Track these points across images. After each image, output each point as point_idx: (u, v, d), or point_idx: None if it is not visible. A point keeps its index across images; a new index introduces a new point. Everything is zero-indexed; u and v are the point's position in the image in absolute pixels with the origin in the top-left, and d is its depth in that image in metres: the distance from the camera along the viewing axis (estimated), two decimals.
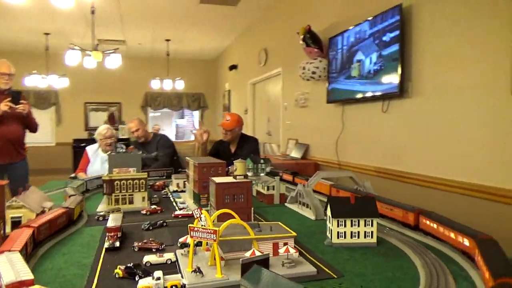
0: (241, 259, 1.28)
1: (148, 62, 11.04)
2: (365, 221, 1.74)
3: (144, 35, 8.98)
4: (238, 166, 2.02)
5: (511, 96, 2.56)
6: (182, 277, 1.38)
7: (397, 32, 3.61)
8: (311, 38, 5.02)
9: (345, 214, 1.74)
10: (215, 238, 1.37)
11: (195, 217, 1.48)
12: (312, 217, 2.21)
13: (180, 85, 9.72)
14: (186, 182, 3.08)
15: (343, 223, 1.74)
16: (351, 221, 1.74)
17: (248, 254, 1.42)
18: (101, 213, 2.30)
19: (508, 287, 1.01)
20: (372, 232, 1.74)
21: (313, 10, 5.46)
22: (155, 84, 9.67)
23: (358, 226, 1.74)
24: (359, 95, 4.22)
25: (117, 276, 1.42)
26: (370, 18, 4.02)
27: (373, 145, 4.11)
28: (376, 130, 4.07)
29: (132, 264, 1.45)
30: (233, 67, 9.14)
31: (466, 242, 1.51)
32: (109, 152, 4.51)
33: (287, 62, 6.32)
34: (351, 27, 4.37)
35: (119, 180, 2.51)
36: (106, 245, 1.73)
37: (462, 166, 2.97)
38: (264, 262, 1.30)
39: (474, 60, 2.85)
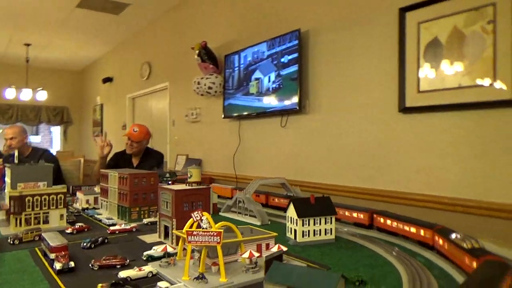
0: (265, 256, 1.25)
1: None
2: (325, 219, 1.87)
3: None
4: (194, 172, 1.93)
5: (398, 114, 3.08)
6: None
7: (296, 55, 3.97)
8: (206, 54, 5.09)
9: (308, 213, 1.84)
10: (219, 241, 1.30)
11: (195, 220, 1.37)
12: (258, 223, 2.25)
13: (42, 96, 8.53)
14: (100, 198, 2.74)
15: (307, 222, 1.84)
16: (314, 220, 1.85)
17: (245, 255, 1.39)
18: (16, 235, 1.88)
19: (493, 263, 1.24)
20: (331, 229, 1.88)
21: (206, 27, 5.55)
22: (10, 94, 8.25)
23: (320, 224, 1.86)
24: (258, 111, 4.45)
25: None
26: (268, 40, 4.32)
27: (272, 158, 4.36)
28: (275, 143, 4.34)
29: (116, 280, 1.26)
30: (107, 79, 8.49)
31: (424, 233, 1.78)
32: None
33: (175, 77, 6.23)
34: (248, 47, 4.60)
35: (32, 195, 2.10)
36: (58, 266, 1.44)
37: (354, 172, 3.40)
38: (279, 258, 1.29)
39: (366, 81, 3.35)
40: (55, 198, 2.16)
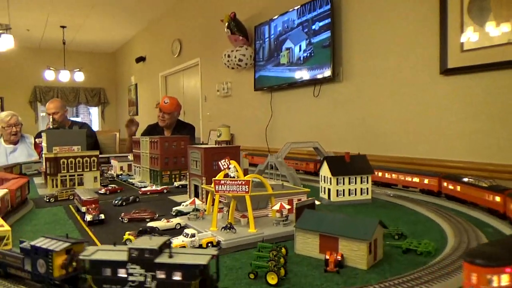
0: (295, 203, 1.18)
1: (37, 52, 9.72)
2: (361, 178, 1.77)
3: (35, 20, 7.87)
4: (223, 131, 1.88)
5: (440, 76, 2.88)
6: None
7: (328, 20, 3.79)
8: (236, 26, 4.98)
9: (343, 172, 1.74)
10: (247, 190, 1.24)
11: (222, 168, 1.31)
12: None
13: (79, 77, 8.77)
14: (133, 164, 2.76)
15: (342, 181, 1.74)
16: (349, 178, 1.75)
17: (276, 207, 1.32)
18: (52, 194, 1.92)
19: None
20: (367, 188, 1.78)
21: None
22: (49, 75, 8.54)
23: (355, 183, 1.76)
24: (290, 82, 4.32)
25: (128, 243, 1.19)
26: (298, 7, 4.14)
27: (305, 129, 4.25)
28: (307, 114, 4.22)
29: (143, 228, 1.23)
30: (140, 59, 8.59)
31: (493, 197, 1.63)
32: (16, 142, 3.84)
33: (206, 53, 6.18)
34: (277, 16, 4.45)
35: (66, 158, 2.13)
36: (88, 218, 1.44)
37: (391, 141, 3.24)
38: (312, 207, 1.22)
39: (403, 44, 3.14)
40: (88, 161, 2.19)
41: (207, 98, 6.29)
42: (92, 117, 11.52)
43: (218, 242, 1.17)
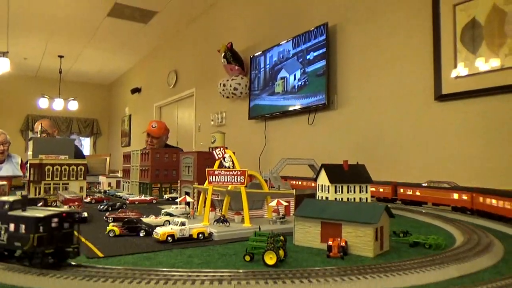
0: (295, 190, 1.10)
1: (33, 80, 9.75)
2: (360, 187, 1.69)
3: (33, 48, 7.96)
4: (217, 137, 1.82)
5: (434, 102, 2.89)
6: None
7: (322, 50, 3.87)
8: (232, 56, 5.07)
9: (342, 180, 1.67)
10: (243, 181, 1.16)
11: (217, 157, 1.24)
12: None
13: (73, 106, 8.74)
14: (122, 180, 2.66)
15: (340, 190, 1.66)
16: (347, 187, 1.68)
17: (273, 203, 1.24)
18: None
19: None
20: (366, 198, 1.70)
21: (232, 31, 5.56)
22: (43, 103, 8.51)
23: (354, 192, 1.68)
24: (284, 110, 4.33)
25: (111, 234, 1.09)
26: (294, 37, 4.23)
27: (300, 156, 4.19)
28: (302, 142, 4.19)
29: (130, 219, 1.13)
30: (136, 90, 8.65)
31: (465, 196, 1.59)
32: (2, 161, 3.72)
33: (201, 82, 6.24)
34: (273, 46, 4.54)
35: (52, 165, 2.04)
36: None
37: (389, 167, 3.19)
38: (311, 197, 1.14)
39: (398, 71, 3.19)
40: (75, 169, 2.09)
41: (201, 128, 6.27)
42: (83, 148, 11.37)
43: (210, 234, 1.07)
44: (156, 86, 7.90)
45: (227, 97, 5.16)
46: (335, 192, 1.66)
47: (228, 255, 0.90)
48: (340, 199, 1.66)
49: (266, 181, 2.28)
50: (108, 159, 4.60)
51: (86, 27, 6.81)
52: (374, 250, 0.90)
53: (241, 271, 0.72)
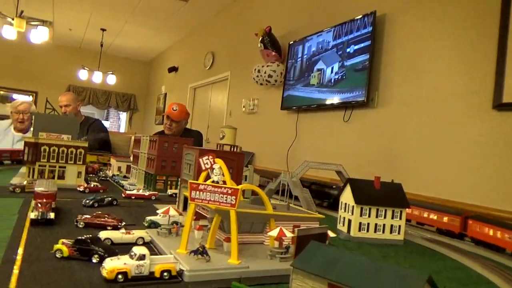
0: (296, 230, 0.80)
1: (76, 52, 9.87)
2: (392, 211, 1.36)
3: (78, 20, 7.98)
4: (227, 132, 1.53)
5: (492, 111, 2.44)
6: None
7: (366, 43, 3.45)
8: (270, 41, 4.74)
9: (371, 201, 1.35)
10: (234, 202, 0.87)
11: (204, 167, 0.96)
12: None
13: (111, 80, 8.76)
14: (132, 166, 2.46)
15: (368, 213, 1.34)
16: (377, 210, 1.35)
17: (273, 233, 0.94)
18: (19, 184, 1.62)
19: None
20: (399, 226, 1.37)
21: (271, 14, 5.21)
22: (83, 75, 8.58)
23: (385, 217, 1.36)
24: (318, 103, 3.98)
25: (58, 255, 0.84)
26: (334, 28, 3.84)
27: (331, 155, 3.85)
28: (335, 139, 3.83)
29: (85, 237, 0.88)
30: (173, 69, 8.51)
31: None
32: (22, 130, 3.64)
33: (236, 67, 5.96)
34: (313, 34, 4.16)
35: (48, 145, 1.84)
36: (32, 215, 1.11)
37: (427, 180, 2.78)
38: (321, 238, 0.84)
39: (450, 72, 2.74)
40: (74, 152, 1.88)
41: (232, 113, 6.02)
42: (121, 122, 11.54)
43: (180, 272, 0.80)
44: (192, 67, 7.72)
45: (261, 84, 4.87)
46: (361, 215, 1.34)
47: None
48: (366, 224, 1.34)
49: (284, 185, 1.98)
50: (133, 138, 4.45)
51: (128, 2, 6.69)
52: None
53: None
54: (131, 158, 2.70)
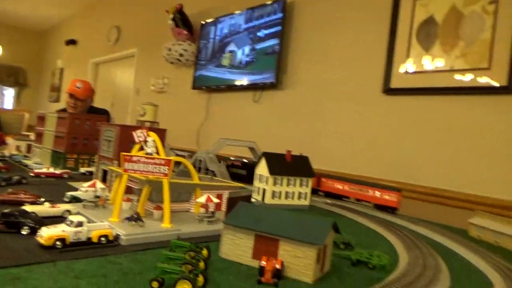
0: (228, 192, 0.90)
1: None
2: (301, 180, 1.55)
3: None
4: (148, 110, 1.56)
5: (381, 95, 2.83)
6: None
7: (276, 29, 3.65)
8: (181, 19, 4.68)
9: (283, 171, 1.52)
10: (166, 172, 0.94)
11: (137, 140, 1.00)
12: None
13: None
14: (33, 145, 2.29)
15: (280, 182, 1.51)
16: (288, 179, 1.53)
17: (201, 199, 1.04)
18: None
19: None
20: (306, 193, 1.57)
21: None
22: None
23: (294, 186, 1.54)
24: (229, 84, 4.11)
25: None
26: (245, 12, 3.97)
27: (242, 134, 4.02)
28: (245, 119, 4.01)
29: (11, 210, 0.87)
30: (71, 41, 7.81)
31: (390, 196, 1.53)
32: None
33: (144, 44, 5.75)
34: (225, 15, 4.24)
35: None
36: None
37: (331, 156, 3.13)
38: (247, 200, 0.95)
39: (351, 58, 3.08)
40: None
41: (140, 91, 5.82)
42: (5, 98, 10.25)
43: (117, 237, 0.85)
44: (94, 41, 7.20)
45: (172, 62, 4.80)
46: (274, 185, 1.50)
47: (132, 274, 0.69)
48: (279, 192, 1.51)
49: (201, 161, 2.08)
50: (26, 115, 4.06)
51: None
52: (314, 274, 0.75)
53: None
54: (32, 136, 2.51)
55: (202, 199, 1.03)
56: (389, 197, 1.61)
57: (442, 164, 2.46)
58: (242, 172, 2.15)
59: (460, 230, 1.45)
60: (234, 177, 2.04)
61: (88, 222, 0.83)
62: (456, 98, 2.45)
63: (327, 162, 3.06)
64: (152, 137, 0.98)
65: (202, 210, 1.07)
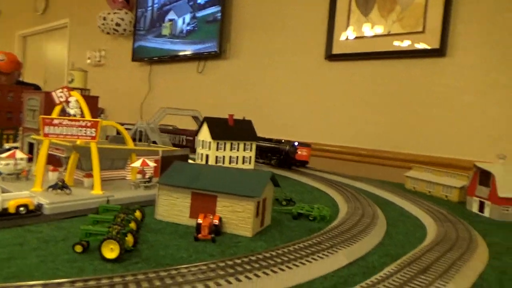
0: (160, 151, 0.85)
1: None
2: (244, 144, 1.53)
3: None
4: (76, 76, 1.44)
5: (325, 61, 2.86)
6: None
7: None
8: None
9: (225, 136, 1.48)
10: (94, 134, 0.87)
11: (58, 101, 0.90)
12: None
13: None
14: None
15: (223, 147, 1.48)
16: (231, 144, 1.49)
17: (137, 164, 0.98)
18: None
19: None
20: (250, 157, 1.55)
21: None
22: None
23: (238, 150, 1.52)
24: (171, 54, 3.94)
25: None
26: None
27: (188, 105, 3.91)
28: (190, 91, 3.89)
29: None
30: None
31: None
32: None
33: (76, 13, 5.33)
34: None
35: None
36: None
37: (276, 122, 3.14)
38: (183, 159, 0.91)
39: (294, 26, 3.05)
40: None
41: (75, 65, 5.43)
42: None
43: (39, 206, 0.78)
44: (20, 11, 6.55)
45: (108, 33, 4.50)
46: (217, 150, 1.47)
47: (53, 242, 0.63)
48: (222, 157, 1.48)
49: (141, 133, 1.98)
50: None
51: None
52: (253, 228, 0.73)
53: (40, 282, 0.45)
54: None
55: (137, 164, 0.97)
56: (300, 152, 1.69)
57: (382, 126, 2.55)
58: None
59: (398, 184, 1.52)
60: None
61: (3, 192, 0.74)
62: (395, 62, 2.52)
63: (272, 130, 3.07)
64: (75, 96, 0.89)
65: (139, 176, 1.01)
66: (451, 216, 0.98)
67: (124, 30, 4.40)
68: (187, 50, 3.84)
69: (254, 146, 1.55)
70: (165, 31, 4.12)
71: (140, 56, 4.37)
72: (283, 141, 1.83)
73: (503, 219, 1.09)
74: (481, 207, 1.18)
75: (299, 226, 0.84)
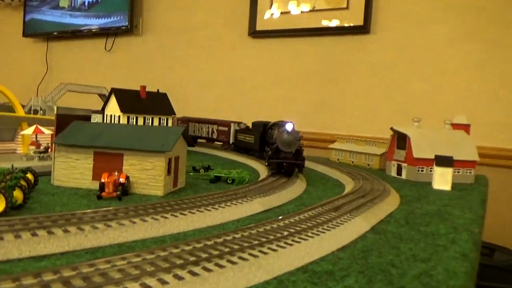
0: (55, 107, 0.82)
1: None
2: (159, 119, 1.52)
3: None
4: None
5: (248, 38, 2.92)
6: None
7: None
8: None
9: (137, 110, 1.46)
10: None
11: None
12: None
13: None
14: None
15: (135, 121, 1.45)
16: (144, 118, 1.48)
17: (29, 131, 0.94)
18: None
19: None
20: None
21: None
22: None
23: (152, 124, 1.50)
24: (74, 29, 3.72)
25: None
26: None
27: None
28: (97, 71, 3.72)
29: None
30: None
31: None
32: None
33: None
34: None
35: None
36: None
37: (196, 104, 3.13)
38: (85, 119, 0.88)
39: (214, 1, 3.07)
40: None
41: None
42: None
43: None
44: None
45: None
46: (128, 124, 1.45)
47: None
48: None
49: (36, 112, 1.87)
50: None
51: None
52: (165, 187, 0.75)
53: None
54: None
55: (29, 131, 0.92)
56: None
57: (308, 105, 2.68)
58: None
59: (324, 158, 1.62)
60: None
61: None
62: (320, 39, 2.66)
63: (194, 110, 3.08)
64: None
65: (32, 147, 0.97)
66: (369, 176, 1.08)
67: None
68: (92, 25, 3.67)
69: (170, 121, 1.55)
70: (63, 2, 3.89)
71: (33, 31, 4.07)
72: None
73: (419, 179, 1.23)
74: (399, 170, 1.32)
75: (216, 188, 0.87)
